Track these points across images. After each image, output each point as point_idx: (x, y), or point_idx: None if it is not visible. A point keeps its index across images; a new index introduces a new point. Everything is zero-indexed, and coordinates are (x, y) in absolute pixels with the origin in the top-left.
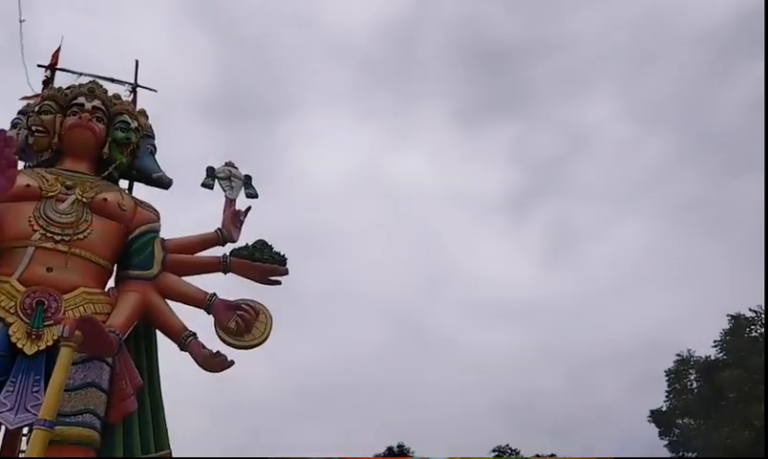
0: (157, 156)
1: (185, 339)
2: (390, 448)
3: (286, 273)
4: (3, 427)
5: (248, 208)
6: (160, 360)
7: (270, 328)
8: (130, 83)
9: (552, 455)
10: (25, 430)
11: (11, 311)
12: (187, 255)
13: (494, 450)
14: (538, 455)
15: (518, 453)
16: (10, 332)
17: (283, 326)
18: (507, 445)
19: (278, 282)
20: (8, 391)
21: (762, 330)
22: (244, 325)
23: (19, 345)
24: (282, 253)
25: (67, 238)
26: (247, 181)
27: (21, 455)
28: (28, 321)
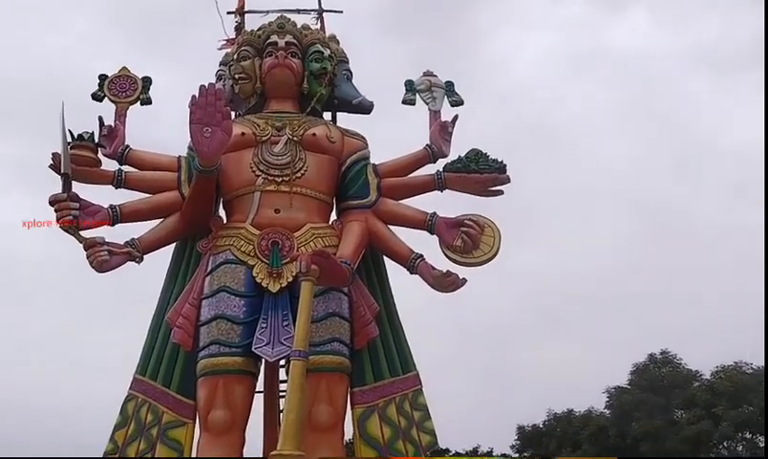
0: (353, 80)
1: (414, 262)
2: (651, 355)
3: (507, 180)
4: (263, 360)
5: (455, 118)
6: (392, 286)
7: (499, 241)
8: (315, 10)
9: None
10: (281, 362)
11: (251, 254)
12: (400, 178)
13: None
14: None
15: None
16: (254, 273)
17: (512, 237)
18: None
19: (500, 192)
20: (262, 327)
21: None
22: (470, 242)
23: (264, 284)
24: (500, 160)
25: (287, 178)
26: (449, 88)
27: (281, 384)
28: (267, 262)
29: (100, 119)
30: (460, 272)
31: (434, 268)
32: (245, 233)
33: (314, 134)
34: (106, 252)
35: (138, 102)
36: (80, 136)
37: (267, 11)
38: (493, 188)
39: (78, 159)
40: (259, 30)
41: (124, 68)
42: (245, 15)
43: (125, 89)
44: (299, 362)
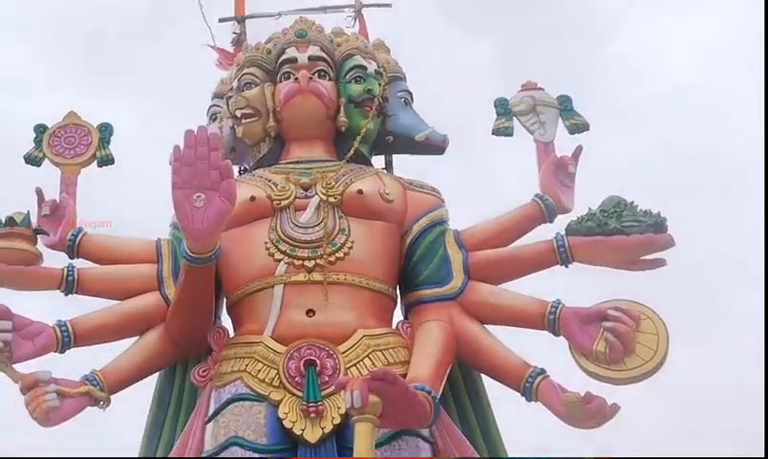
0: (414, 105)
1: (532, 382)
2: None
3: (669, 242)
4: None
5: (579, 150)
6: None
7: (666, 343)
8: (350, 6)
9: None
10: None
11: (275, 383)
12: (499, 249)
13: None
14: None
15: None
16: (281, 414)
17: (685, 333)
18: None
19: (660, 262)
20: None
21: None
22: (620, 345)
23: (296, 431)
24: (654, 212)
25: (322, 262)
26: (566, 106)
27: None
28: (300, 394)
29: (39, 191)
30: (607, 393)
31: (564, 390)
32: (263, 351)
33: (360, 190)
34: (54, 395)
35: (95, 162)
36: (10, 219)
37: (279, 14)
38: (648, 258)
39: (8, 254)
40: (268, 42)
41: (72, 114)
42: (247, 22)
43: (74, 144)
44: None
